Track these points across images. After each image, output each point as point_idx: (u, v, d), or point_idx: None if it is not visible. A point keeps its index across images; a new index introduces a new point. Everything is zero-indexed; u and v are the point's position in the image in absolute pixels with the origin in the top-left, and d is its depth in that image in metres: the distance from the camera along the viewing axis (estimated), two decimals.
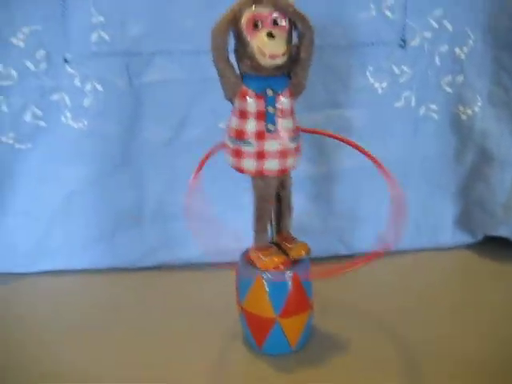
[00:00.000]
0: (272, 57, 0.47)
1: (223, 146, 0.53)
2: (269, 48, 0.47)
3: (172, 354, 0.57)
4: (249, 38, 0.47)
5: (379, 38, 0.71)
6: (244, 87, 0.50)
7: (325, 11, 0.67)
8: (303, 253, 0.55)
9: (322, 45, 0.68)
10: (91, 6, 0.66)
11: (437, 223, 0.79)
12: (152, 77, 0.70)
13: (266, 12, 0.47)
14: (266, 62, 0.47)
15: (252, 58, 0.47)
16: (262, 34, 0.47)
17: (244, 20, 0.47)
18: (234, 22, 0.48)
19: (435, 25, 0.71)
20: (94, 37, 0.68)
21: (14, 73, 0.68)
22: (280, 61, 0.47)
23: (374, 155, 0.55)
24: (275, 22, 0.48)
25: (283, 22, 0.48)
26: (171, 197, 0.75)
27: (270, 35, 0.47)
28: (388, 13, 0.70)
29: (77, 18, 0.67)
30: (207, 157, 0.56)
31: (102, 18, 0.67)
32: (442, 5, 0.70)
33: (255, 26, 0.47)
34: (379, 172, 0.54)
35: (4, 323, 0.65)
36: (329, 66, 0.70)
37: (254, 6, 0.47)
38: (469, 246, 0.80)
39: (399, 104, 0.74)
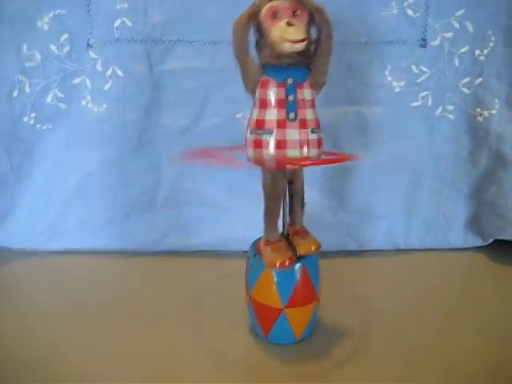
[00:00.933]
0: (292, 42, 0.48)
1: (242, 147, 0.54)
2: (289, 33, 0.48)
3: (178, 338, 0.58)
4: (269, 28, 0.48)
5: (400, 37, 0.71)
6: (265, 77, 0.51)
7: (346, 8, 0.67)
8: (313, 249, 0.54)
9: (342, 41, 0.69)
10: None
11: (448, 224, 0.79)
12: (172, 65, 0.71)
13: (285, 4, 0.49)
14: (286, 47, 0.48)
15: (272, 46, 0.48)
16: (282, 23, 0.48)
17: (264, 11, 0.49)
18: (254, 15, 0.49)
19: (457, 25, 0.71)
20: (117, 23, 0.69)
21: (37, 55, 0.69)
22: (300, 46, 0.48)
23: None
24: (294, 13, 0.49)
25: (302, 13, 0.49)
26: (185, 183, 0.76)
27: (290, 23, 0.48)
28: (410, 11, 0.70)
29: (101, 4, 0.68)
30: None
31: (125, 5, 0.68)
32: (464, 6, 0.70)
33: (275, 16, 0.49)
34: None
35: (15, 298, 0.67)
36: (348, 62, 0.71)
37: (273, 1, 0.49)
38: (478, 248, 0.80)
39: (416, 103, 0.74)
